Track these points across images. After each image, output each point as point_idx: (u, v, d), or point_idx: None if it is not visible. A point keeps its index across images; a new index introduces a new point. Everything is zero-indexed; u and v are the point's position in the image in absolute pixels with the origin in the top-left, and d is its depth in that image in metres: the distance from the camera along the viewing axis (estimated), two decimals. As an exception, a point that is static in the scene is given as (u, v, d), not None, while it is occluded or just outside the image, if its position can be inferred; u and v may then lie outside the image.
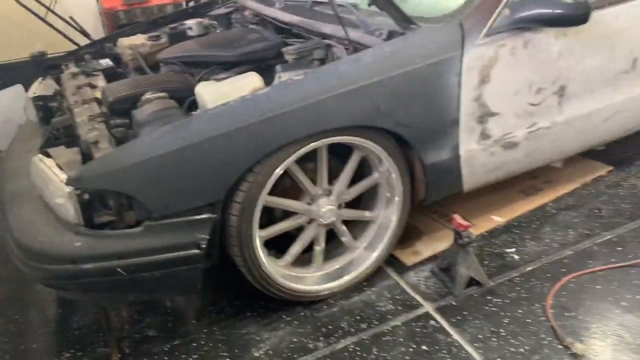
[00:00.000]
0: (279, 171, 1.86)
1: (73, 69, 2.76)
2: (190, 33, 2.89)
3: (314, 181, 2.02)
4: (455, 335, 1.92)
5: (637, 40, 2.31)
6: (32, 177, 1.96)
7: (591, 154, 2.89)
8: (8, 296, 2.37)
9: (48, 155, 1.97)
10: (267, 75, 2.18)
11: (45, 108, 2.58)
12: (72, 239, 1.73)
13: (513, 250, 2.32)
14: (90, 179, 1.70)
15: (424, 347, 1.89)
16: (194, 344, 2.00)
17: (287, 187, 2.04)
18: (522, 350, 1.83)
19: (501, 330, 1.92)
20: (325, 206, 2.04)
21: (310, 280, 2.13)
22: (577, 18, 1.97)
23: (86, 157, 1.93)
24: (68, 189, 1.72)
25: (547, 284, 2.10)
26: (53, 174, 1.82)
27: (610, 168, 2.83)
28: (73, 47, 3.40)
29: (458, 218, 2.08)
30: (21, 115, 3.87)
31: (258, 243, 1.93)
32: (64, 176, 1.78)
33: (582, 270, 2.16)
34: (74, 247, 1.71)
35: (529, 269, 2.20)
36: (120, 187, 1.70)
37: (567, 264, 2.20)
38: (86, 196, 1.73)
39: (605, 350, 1.80)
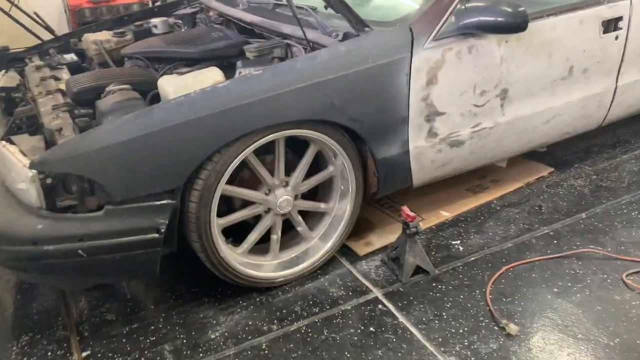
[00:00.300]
0: (236, 161, 1.96)
1: (37, 62, 2.80)
2: (155, 31, 2.96)
3: (271, 173, 2.13)
4: (401, 318, 2.05)
5: (572, 49, 2.50)
6: (-5, 162, 2.00)
7: (535, 156, 3.09)
8: (-34, 283, 2.38)
9: (12, 143, 2.02)
10: (229, 72, 2.28)
11: (8, 99, 2.62)
12: (34, 221, 1.79)
13: (458, 242, 2.47)
14: (53, 162, 1.76)
15: (372, 329, 2.01)
16: (152, 327, 2.07)
17: (245, 177, 2.14)
18: (461, 331, 1.97)
19: (443, 314, 2.06)
20: (282, 197, 2.14)
21: (267, 268, 2.23)
22: (516, 26, 2.14)
23: (50, 145, 1.99)
24: (31, 172, 1.78)
25: (488, 273, 2.26)
26: (16, 159, 1.88)
27: (552, 169, 3.02)
28: (36, 42, 3.42)
29: (406, 210, 2.22)
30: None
31: (216, 230, 2.02)
32: (27, 161, 1.84)
33: (520, 260, 2.32)
34: (36, 229, 1.77)
35: (472, 259, 2.35)
36: (82, 171, 1.77)
37: (507, 255, 2.37)
38: (49, 180, 1.80)
39: (537, 330, 1.96)
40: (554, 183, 2.92)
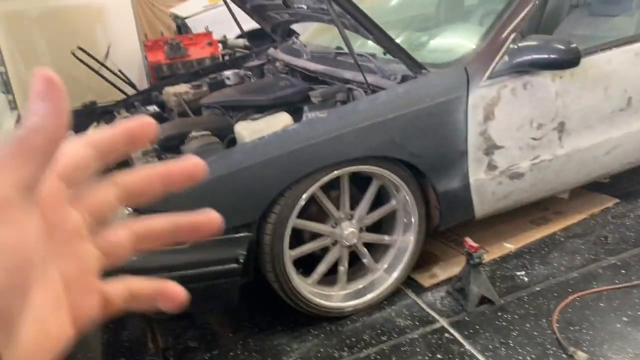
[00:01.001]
0: (306, 196, 2.12)
1: (124, 114, 3.12)
2: (228, 82, 3.24)
3: (337, 207, 2.28)
4: (468, 346, 2.10)
5: (629, 81, 2.55)
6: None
7: (598, 187, 3.09)
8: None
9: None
10: (296, 116, 2.48)
11: (101, 148, 2.93)
12: (129, 253, 2.00)
13: (523, 273, 2.51)
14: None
15: (439, 356, 2.07)
16: (231, 353, 2.22)
17: (313, 211, 2.30)
18: (528, 358, 2.01)
19: (510, 342, 2.10)
20: (348, 229, 2.28)
21: (336, 298, 2.35)
22: (568, 62, 2.24)
23: (141, 186, 2.23)
24: (127, 210, 2.01)
25: (554, 302, 2.28)
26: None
27: (617, 200, 3.01)
28: (120, 97, 3.80)
29: (469, 241, 2.29)
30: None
31: (288, 261, 2.17)
32: (123, 200, 2.08)
33: (587, 290, 2.33)
34: (130, 260, 1.98)
35: (537, 289, 2.38)
36: (172, 208, 1.97)
37: (573, 284, 2.38)
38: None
39: (607, 359, 1.96)
40: (620, 214, 2.90)
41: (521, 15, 2.35)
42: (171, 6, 7.47)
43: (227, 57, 4.71)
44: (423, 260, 2.51)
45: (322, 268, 2.31)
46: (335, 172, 2.14)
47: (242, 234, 2.05)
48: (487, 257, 2.61)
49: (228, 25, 5.33)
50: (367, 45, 2.64)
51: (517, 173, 2.44)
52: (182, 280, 1.55)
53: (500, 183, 2.42)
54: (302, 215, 2.18)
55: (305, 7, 2.68)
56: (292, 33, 3.59)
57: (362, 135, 2.12)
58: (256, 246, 2.12)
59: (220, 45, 4.91)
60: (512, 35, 2.30)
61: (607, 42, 2.55)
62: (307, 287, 2.27)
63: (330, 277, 2.37)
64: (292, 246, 2.21)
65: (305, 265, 2.35)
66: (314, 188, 2.12)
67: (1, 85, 3.62)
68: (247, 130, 2.28)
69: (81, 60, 3.79)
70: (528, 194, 2.55)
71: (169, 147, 2.44)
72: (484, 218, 2.52)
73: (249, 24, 3.62)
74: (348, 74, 2.55)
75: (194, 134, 2.37)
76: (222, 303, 2.17)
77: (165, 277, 1.57)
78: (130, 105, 3.31)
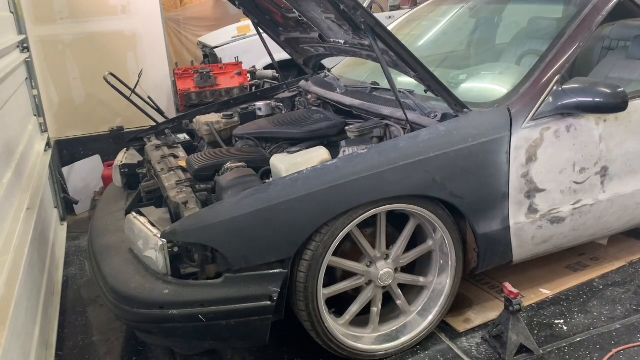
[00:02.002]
0: (343, 234, 2.07)
1: (155, 141, 3.10)
2: (259, 113, 3.23)
3: (372, 245, 2.21)
4: (508, 398, 2.00)
5: (674, 127, 2.48)
6: (126, 231, 2.22)
7: (637, 234, 3.00)
8: (86, 343, 2.57)
9: (141, 214, 2.25)
10: (331, 150, 2.44)
11: (130, 175, 2.91)
12: (161, 286, 1.95)
13: (562, 321, 2.41)
14: (182, 233, 1.95)
15: (477, 408, 1.97)
16: (257, 394, 2.14)
17: (348, 250, 2.24)
18: (574, 415, 1.90)
19: (553, 396, 1.99)
20: (383, 269, 2.21)
21: (367, 340, 2.27)
22: (615, 106, 2.19)
23: (175, 216, 2.19)
24: (161, 242, 1.97)
25: (597, 355, 2.18)
26: (147, 229, 2.08)
27: (657, 248, 2.92)
28: (148, 123, 3.81)
29: (509, 286, 2.21)
30: (97, 182, 4.28)
31: (322, 300, 2.10)
32: (157, 231, 2.04)
33: (631, 343, 2.22)
34: (163, 293, 1.93)
35: (578, 339, 2.28)
36: (208, 241, 1.94)
37: (615, 336, 2.28)
38: (176, 249, 1.98)
39: (658, 420, 1.85)
40: (660, 263, 2.80)
41: (566, 57, 2.32)
42: (198, 35, 7.60)
43: (254, 88, 4.73)
44: (456, 303, 2.43)
45: (355, 308, 2.23)
46: (374, 210, 2.09)
47: (276, 271, 2.00)
48: (524, 303, 2.51)
49: (256, 55, 5.40)
50: (399, 82, 2.61)
51: (558, 217, 2.36)
52: (214, 317, 1.49)
53: (540, 227, 2.34)
54: (336, 252, 2.12)
55: (342, 42, 2.67)
56: (323, 67, 3.60)
57: (402, 173, 2.07)
58: (289, 284, 2.06)
59: (249, 75, 4.94)
60: (557, 77, 2.26)
61: (651, 87, 2.50)
62: (339, 328, 2.19)
63: (360, 318, 2.29)
64: (325, 285, 2.14)
65: (334, 304, 2.27)
66: (351, 226, 2.06)
67: (34, 109, 3.64)
68: (284, 163, 2.24)
69: (112, 86, 3.81)
70: (568, 239, 2.47)
71: (203, 177, 2.41)
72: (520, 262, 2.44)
73: (278, 54, 3.63)
74: (385, 110, 2.52)
75: (229, 165, 2.34)
76: (252, 341, 2.10)
77: (197, 312, 1.51)
78: (160, 132, 3.30)
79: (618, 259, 2.83)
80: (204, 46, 6.67)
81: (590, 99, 2.21)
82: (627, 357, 2.16)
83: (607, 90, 2.18)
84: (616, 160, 2.40)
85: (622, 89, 2.18)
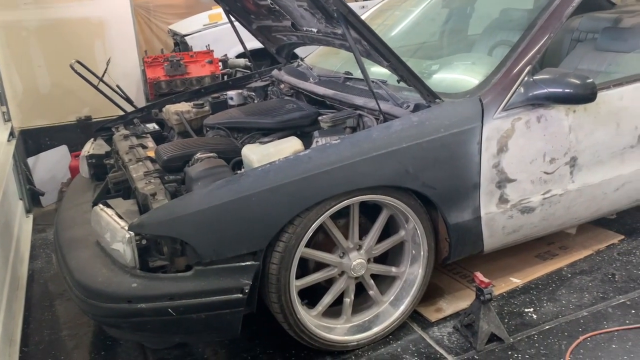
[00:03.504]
0: (315, 225, 2.05)
1: (123, 131, 3.02)
2: (231, 102, 3.17)
3: (345, 236, 2.20)
4: (478, 387, 2.02)
5: (640, 118, 2.53)
6: (93, 224, 2.16)
7: (604, 223, 3.06)
8: (52, 339, 2.50)
9: (108, 206, 2.19)
10: (303, 140, 2.41)
11: (97, 165, 2.83)
12: (129, 280, 1.91)
13: (531, 310, 2.44)
14: (151, 225, 1.90)
15: (449, 397, 1.99)
16: (229, 387, 2.11)
17: (320, 241, 2.22)
18: (542, 402, 1.93)
19: (522, 383, 2.02)
20: (356, 260, 2.20)
21: (339, 331, 2.26)
22: (585, 97, 2.21)
23: (143, 208, 2.14)
24: (128, 234, 1.92)
25: (565, 342, 2.21)
26: (114, 222, 2.03)
27: (622, 237, 2.98)
28: (117, 112, 3.71)
29: (480, 276, 2.23)
30: (65, 173, 4.17)
31: (294, 291, 2.08)
32: (124, 223, 1.99)
33: (598, 330, 2.27)
34: (131, 287, 1.89)
35: (547, 327, 2.32)
36: (177, 233, 1.89)
37: (583, 324, 2.32)
38: (144, 242, 1.93)
39: (623, 404, 1.89)
40: (626, 251, 2.86)
41: (537, 47, 2.33)
42: (169, 23, 7.45)
43: (226, 76, 4.66)
44: (428, 293, 2.44)
45: (327, 299, 2.22)
46: (347, 200, 2.07)
47: (248, 263, 1.97)
48: (494, 292, 2.54)
49: (228, 43, 5.32)
50: (372, 72, 2.59)
51: (528, 207, 2.39)
52: (184, 310, 1.45)
53: (511, 217, 2.37)
54: (308, 244, 2.10)
55: (315, 30, 2.64)
56: (296, 56, 3.55)
57: (375, 164, 2.06)
58: (261, 276, 2.03)
59: (220, 64, 4.85)
60: (528, 67, 2.27)
61: (619, 78, 2.54)
62: (311, 320, 2.18)
63: (332, 309, 2.28)
64: (297, 276, 2.12)
65: (306, 295, 2.26)
66: (324, 217, 2.04)
67: (-4, 97, 3.52)
68: (256, 154, 2.21)
69: (79, 74, 3.69)
70: (538, 229, 2.50)
71: (172, 168, 2.36)
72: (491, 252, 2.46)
73: (250, 43, 3.57)
74: (359, 100, 2.50)
75: (199, 155, 2.29)
76: (223, 334, 2.07)
77: (166, 306, 1.47)
78: (129, 122, 3.22)
79: (586, 248, 2.89)
80: (174, 34, 6.54)
81: (561, 90, 2.23)
82: (594, 343, 2.20)
83: (577, 81, 2.21)
84: (585, 150, 2.43)
85: (591, 80, 2.21)
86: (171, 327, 1.94)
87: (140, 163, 2.46)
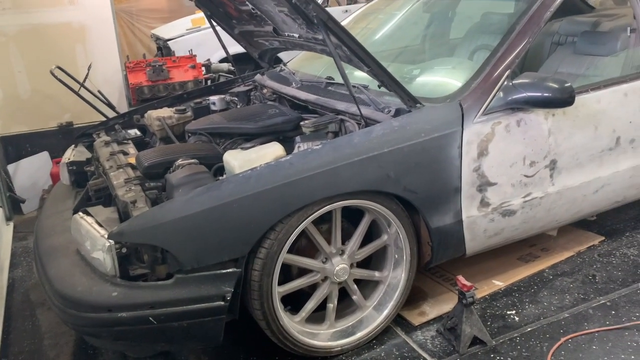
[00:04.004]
0: (298, 230, 2.05)
1: (105, 137, 3.00)
2: (213, 108, 3.16)
3: (328, 241, 2.20)
4: (461, 390, 2.03)
5: (618, 121, 2.57)
6: (72, 232, 2.13)
7: (584, 225, 3.09)
8: (33, 349, 2.47)
9: (87, 214, 2.16)
10: (286, 146, 2.41)
11: (78, 172, 2.81)
12: (109, 289, 1.89)
13: (513, 312, 2.46)
14: (131, 233, 1.88)
15: (432, 401, 1.99)
16: (213, 395, 2.10)
17: (303, 246, 2.22)
18: (524, 404, 1.94)
19: (504, 386, 2.03)
20: (339, 265, 2.20)
21: (323, 337, 2.26)
22: (563, 101, 2.24)
23: (123, 216, 2.12)
24: (108, 242, 1.90)
25: (546, 344, 2.23)
26: (93, 230, 2.01)
27: (602, 238, 3.01)
28: (99, 118, 3.69)
29: (462, 279, 2.24)
30: (46, 180, 4.12)
31: (277, 298, 2.08)
32: (104, 232, 1.97)
33: (579, 331, 2.29)
34: (111, 296, 1.87)
35: (529, 329, 2.33)
36: (158, 241, 1.88)
37: (564, 325, 2.34)
38: (124, 250, 1.91)
39: (603, 405, 1.91)
40: (606, 252, 2.90)
41: (516, 52, 2.35)
42: (152, 27, 7.40)
43: (210, 81, 4.64)
44: (412, 297, 2.45)
45: (310, 305, 2.22)
46: (329, 206, 2.07)
47: (229, 270, 1.96)
48: (477, 295, 2.55)
49: (211, 48, 5.29)
50: (355, 76, 2.60)
51: (509, 210, 2.41)
52: (165, 318, 1.44)
53: (492, 220, 2.38)
54: (290, 250, 2.10)
55: (297, 35, 2.64)
56: (279, 60, 3.55)
57: (357, 168, 2.06)
58: (243, 282, 2.02)
59: (203, 68, 4.84)
60: (508, 72, 2.30)
61: (597, 82, 2.57)
62: (294, 326, 2.17)
63: (316, 314, 2.28)
64: (280, 282, 2.12)
65: (289, 301, 2.25)
66: (306, 222, 2.04)
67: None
68: (238, 160, 2.20)
69: (60, 80, 3.66)
70: (519, 231, 2.53)
71: (153, 175, 2.34)
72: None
73: (233, 47, 3.56)
74: (340, 105, 2.50)
75: (180, 162, 2.27)
76: (206, 342, 2.05)
77: (147, 314, 1.45)
78: (110, 128, 3.19)
79: (567, 249, 2.92)
80: (157, 38, 6.50)
81: (539, 94, 2.25)
82: (575, 345, 2.22)
83: (555, 85, 2.23)
84: (564, 153, 2.46)
85: (569, 84, 2.23)
86: (152, 335, 1.92)
87: (121, 170, 2.44)
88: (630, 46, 2.82)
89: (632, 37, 2.83)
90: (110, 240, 1.90)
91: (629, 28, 2.85)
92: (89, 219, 2.11)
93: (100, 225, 2.05)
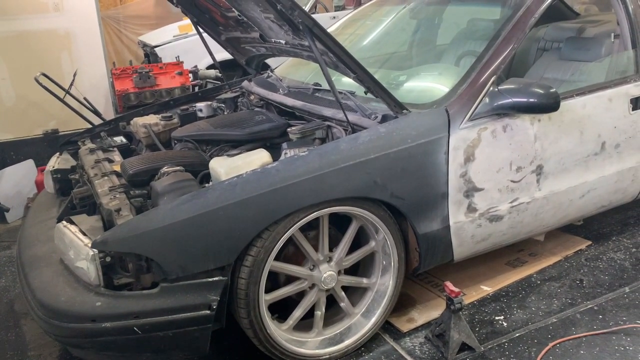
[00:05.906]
0: (284, 238, 2.03)
1: (90, 145, 2.97)
2: (200, 114, 3.14)
3: (315, 248, 2.19)
4: (450, 397, 2.02)
5: (603, 126, 2.58)
6: (56, 241, 2.10)
7: (571, 229, 3.11)
8: (15, 361, 2.43)
9: (71, 222, 2.13)
10: (273, 152, 2.40)
11: (63, 180, 2.77)
12: (93, 299, 1.86)
13: (502, 317, 2.46)
14: (115, 242, 1.86)
15: (421, 408, 1.98)
16: (199, 406, 2.07)
17: (290, 254, 2.20)
18: (513, 410, 1.93)
19: (493, 392, 2.03)
20: (326, 272, 2.19)
21: (312, 345, 2.24)
22: (548, 106, 2.24)
23: (108, 224, 2.10)
24: (92, 251, 1.87)
25: (534, 349, 2.23)
26: (77, 239, 1.98)
27: (589, 242, 3.03)
28: (85, 126, 3.64)
29: (450, 285, 2.23)
30: (31, 188, 4.07)
31: (264, 306, 2.06)
32: (88, 241, 1.94)
33: (566, 336, 2.29)
34: (95, 306, 1.84)
35: (517, 334, 2.33)
36: (142, 250, 1.85)
37: (552, 330, 2.34)
38: (108, 259, 1.88)
39: (591, 410, 1.91)
40: (593, 256, 2.91)
41: (501, 58, 2.36)
42: (139, 34, 7.38)
43: (197, 88, 4.62)
44: (400, 303, 2.44)
45: (298, 313, 2.20)
46: (316, 212, 2.06)
47: (215, 278, 1.94)
48: (465, 300, 2.55)
49: (198, 55, 5.28)
50: (342, 82, 2.60)
51: (497, 215, 2.41)
52: (150, 328, 1.41)
53: (479, 225, 2.38)
54: (277, 257, 2.08)
55: (283, 42, 2.63)
56: (267, 67, 3.54)
57: (344, 175, 2.05)
58: (229, 291, 2.00)
59: (190, 75, 4.82)
60: (493, 78, 2.31)
61: (582, 87, 2.59)
62: (282, 334, 2.15)
63: (304, 322, 2.26)
64: (267, 290, 2.10)
65: (277, 309, 2.23)
66: (293, 229, 2.03)
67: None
68: (224, 167, 2.18)
69: (44, 87, 3.62)
70: (506, 237, 2.53)
71: (138, 182, 2.32)
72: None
73: (220, 54, 3.55)
74: (327, 111, 2.50)
75: (166, 169, 2.25)
76: (192, 352, 2.03)
77: (132, 324, 1.43)
78: (96, 135, 3.16)
79: (554, 254, 2.93)
80: (144, 45, 6.48)
81: (525, 99, 2.25)
82: (562, 350, 2.22)
83: (540, 91, 2.24)
84: (550, 158, 2.47)
85: (554, 89, 2.24)
86: (137, 346, 1.90)
87: (106, 178, 2.41)
88: (614, 52, 2.85)
89: (616, 43, 2.86)
90: (94, 249, 1.87)
91: (612, 34, 2.88)
92: (72, 227, 2.08)
93: (84, 234, 2.02)
